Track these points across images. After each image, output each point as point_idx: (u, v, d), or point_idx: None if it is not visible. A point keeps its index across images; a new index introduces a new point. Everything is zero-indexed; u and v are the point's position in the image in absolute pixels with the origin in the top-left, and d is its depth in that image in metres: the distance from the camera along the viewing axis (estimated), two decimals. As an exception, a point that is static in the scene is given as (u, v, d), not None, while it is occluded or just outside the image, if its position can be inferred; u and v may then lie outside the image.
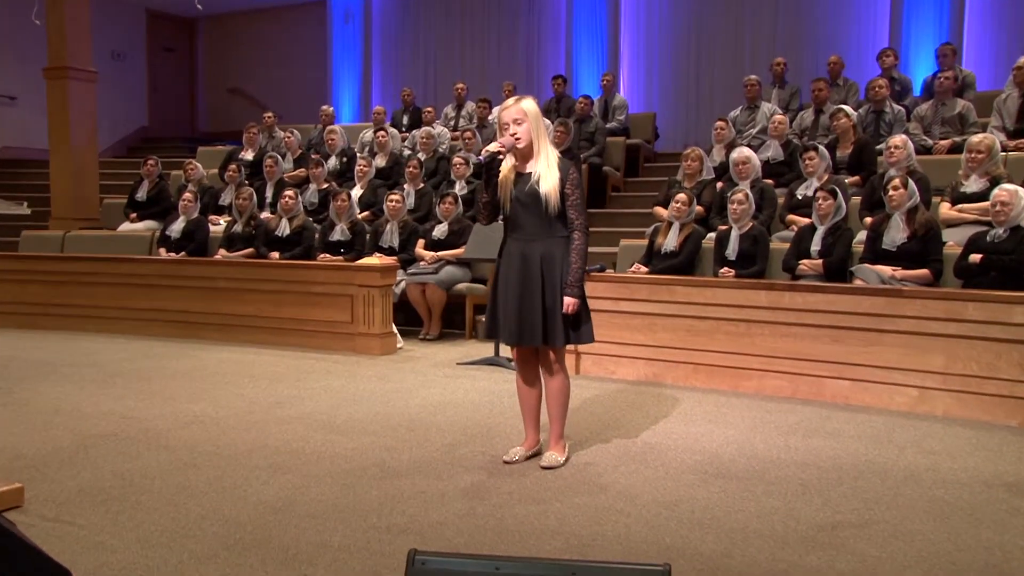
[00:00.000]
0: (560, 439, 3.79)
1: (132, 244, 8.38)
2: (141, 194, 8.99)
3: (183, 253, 7.69)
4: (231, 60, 15.18)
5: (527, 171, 3.61)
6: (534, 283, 3.59)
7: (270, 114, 10.26)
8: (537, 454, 3.82)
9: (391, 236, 7.26)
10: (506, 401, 4.89)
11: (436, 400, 4.95)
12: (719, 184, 7.24)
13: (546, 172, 3.55)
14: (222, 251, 7.61)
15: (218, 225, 8.27)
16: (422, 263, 7.07)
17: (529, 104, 3.59)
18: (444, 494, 3.34)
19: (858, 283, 5.29)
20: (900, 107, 7.66)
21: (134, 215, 8.88)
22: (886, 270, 5.31)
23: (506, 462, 3.74)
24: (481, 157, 3.52)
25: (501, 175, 3.60)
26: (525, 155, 3.61)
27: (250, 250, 7.54)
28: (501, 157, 3.58)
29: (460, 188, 8.00)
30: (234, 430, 4.25)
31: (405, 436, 4.17)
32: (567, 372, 3.78)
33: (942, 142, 7.21)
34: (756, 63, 10.69)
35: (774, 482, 3.51)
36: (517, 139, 3.54)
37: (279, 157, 8.84)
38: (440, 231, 7.17)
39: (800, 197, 6.60)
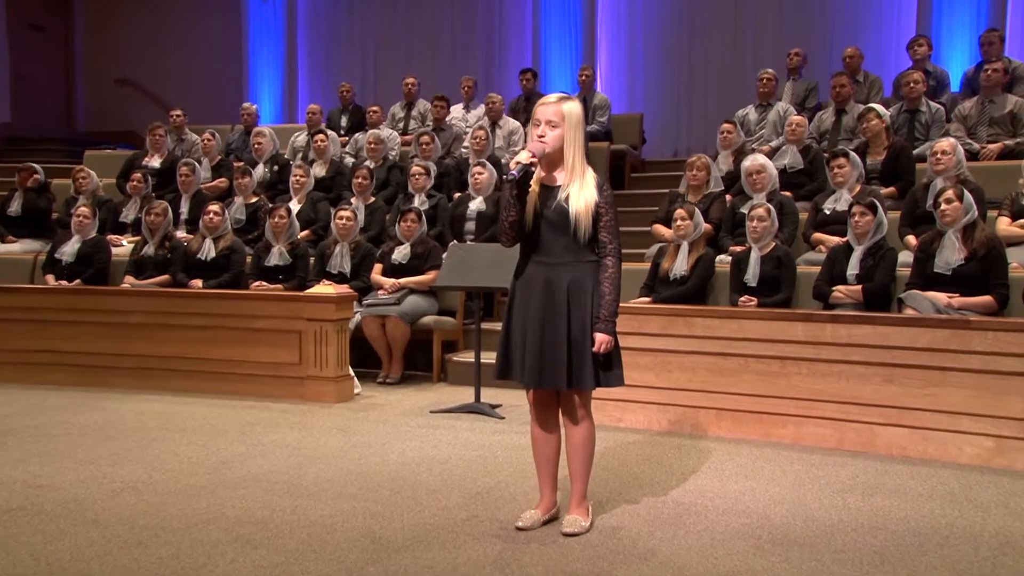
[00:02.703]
0: (583, 500, 3.81)
1: (8, 270, 8.24)
2: (15, 208, 8.84)
3: (77, 281, 7.55)
4: (119, 44, 15.03)
5: (555, 184, 3.67)
6: (559, 314, 3.63)
7: (178, 112, 10.19)
8: (554, 518, 3.84)
9: (341, 260, 7.24)
10: (501, 456, 4.91)
11: (416, 456, 4.93)
12: (728, 197, 7.36)
13: (577, 188, 3.62)
14: (129, 278, 7.49)
15: (121, 246, 8.15)
16: (380, 292, 7.05)
17: (571, 107, 3.64)
18: (456, 569, 3.33)
19: (909, 312, 5.42)
20: (938, 105, 7.87)
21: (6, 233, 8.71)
22: (941, 297, 5.46)
23: (520, 528, 3.74)
24: (514, 172, 3.55)
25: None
26: (552, 162, 3.67)
27: (164, 277, 7.45)
28: (534, 169, 3.62)
29: (421, 202, 8.02)
30: (177, 497, 4.17)
31: (391, 499, 4.15)
32: (593, 420, 3.82)
33: (991, 146, 7.44)
34: (759, 55, 10.96)
35: (844, 550, 3.56)
36: (544, 143, 3.60)
37: (196, 164, 8.77)
38: (401, 254, 7.16)
39: (828, 212, 6.75)
